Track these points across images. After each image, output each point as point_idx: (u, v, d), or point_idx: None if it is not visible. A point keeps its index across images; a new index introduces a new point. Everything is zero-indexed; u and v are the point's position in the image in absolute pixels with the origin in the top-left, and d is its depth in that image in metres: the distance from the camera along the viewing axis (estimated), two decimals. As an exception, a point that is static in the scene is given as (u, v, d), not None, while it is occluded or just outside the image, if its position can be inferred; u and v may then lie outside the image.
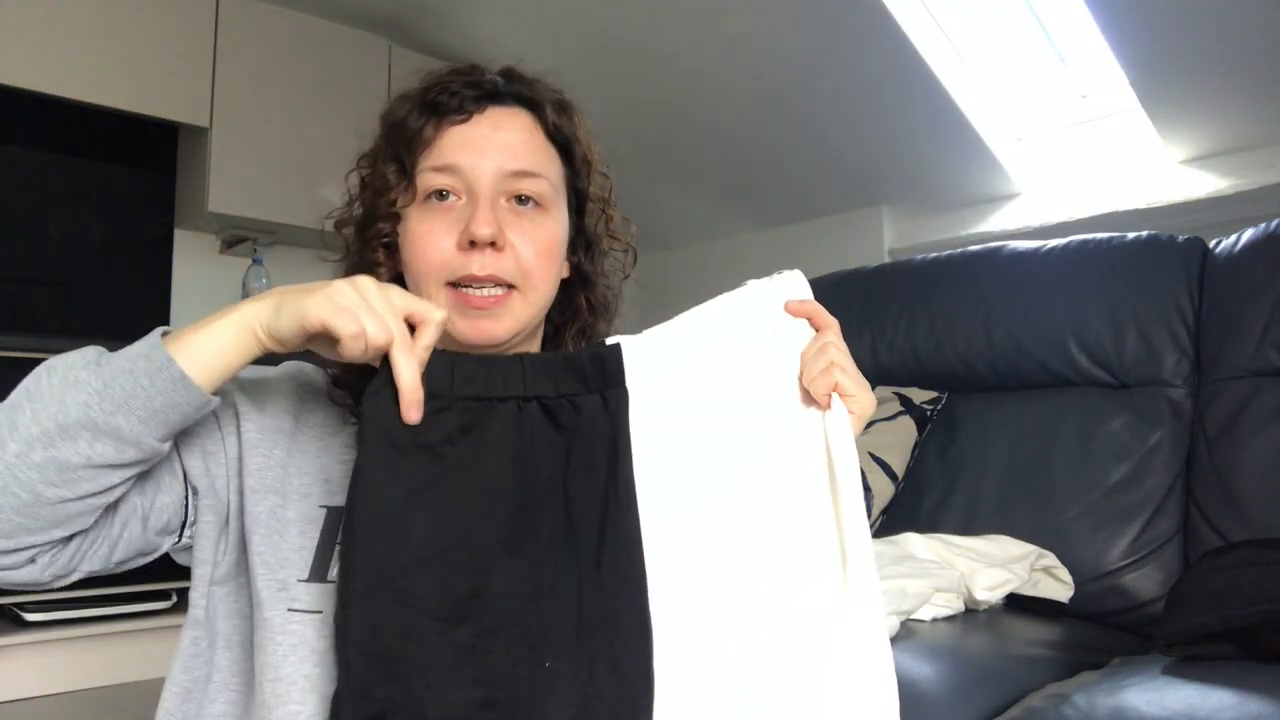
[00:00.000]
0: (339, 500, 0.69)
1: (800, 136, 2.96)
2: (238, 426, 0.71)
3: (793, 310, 0.68)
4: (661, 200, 3.59)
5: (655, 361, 0.66)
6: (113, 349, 0.63)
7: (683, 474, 0.64)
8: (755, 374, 0.66)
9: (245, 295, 2.71)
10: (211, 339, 0.61)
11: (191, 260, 2.82)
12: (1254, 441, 1.19)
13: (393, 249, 0.76)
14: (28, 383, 0.62)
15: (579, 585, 0.61)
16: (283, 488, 0.71)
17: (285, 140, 2.65)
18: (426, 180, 0.74)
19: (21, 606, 1.91)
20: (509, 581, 0.61)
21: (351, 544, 0.59)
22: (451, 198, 0.74)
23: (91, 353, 0.62)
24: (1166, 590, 1.11)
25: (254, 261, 2.75)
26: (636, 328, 0.73)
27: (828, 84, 2.70)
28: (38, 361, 0.66)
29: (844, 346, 0.67)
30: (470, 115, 0.75)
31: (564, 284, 0.80)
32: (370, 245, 0.76)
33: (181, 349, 0.60)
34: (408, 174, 0.75)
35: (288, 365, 0.79)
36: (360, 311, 0.59)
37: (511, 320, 0.73)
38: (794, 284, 0.69)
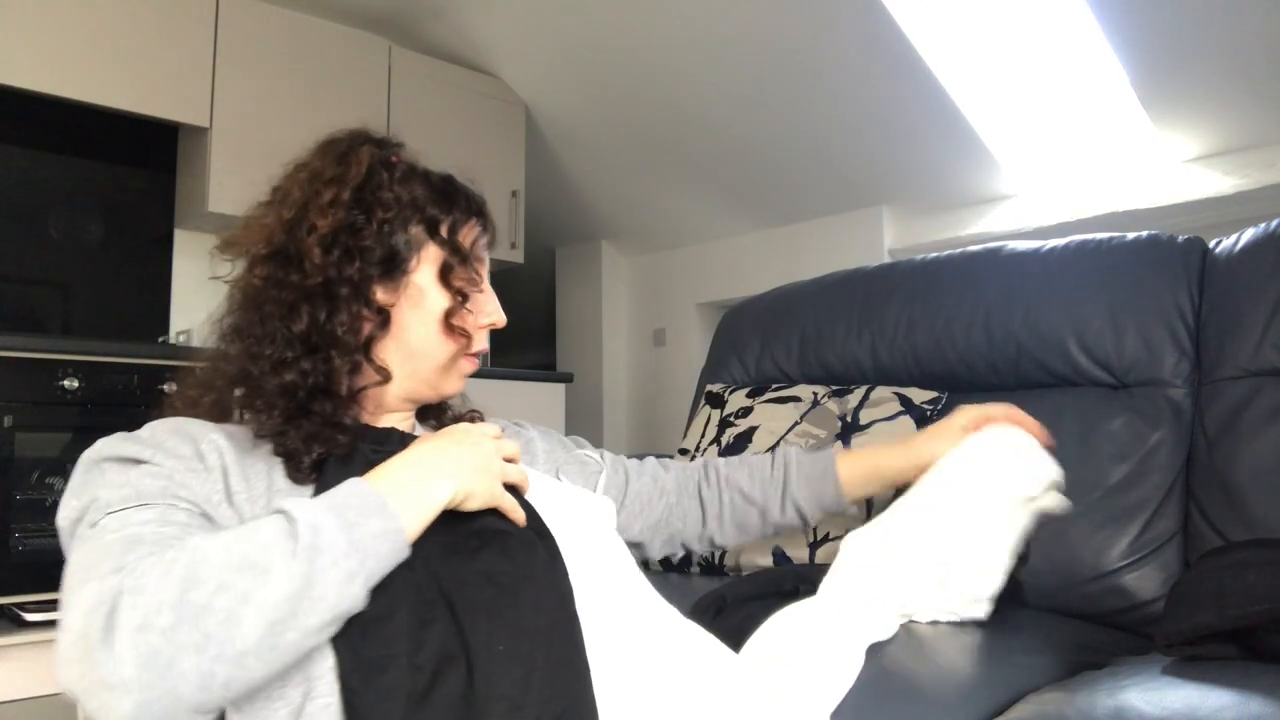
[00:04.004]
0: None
1: (800, 137, 2.97)
2: (226, 483, 0.74)
3: None
4: (661, 200, 3.59)
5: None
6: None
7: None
8: None
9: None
10: (422, 518, 0.71)
11: (191, 260, 2.82)
12: (1254, 441, 1.19)
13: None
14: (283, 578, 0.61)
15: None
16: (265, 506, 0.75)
17: (285, 140, 2.64)
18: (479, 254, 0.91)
19: (22, 607, 1.91)
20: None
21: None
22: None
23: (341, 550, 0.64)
24: (1166, 590, 1.11)
25: (254, 261, 2.75)
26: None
27: (828, 84, 2.70)
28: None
29: None
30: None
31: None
32: (458, 288, 0.87)
33: (409, 522, 0.69)
34: (457, 249, 0.88)
35: (167, 425, 0.78)
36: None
37: None
38: None
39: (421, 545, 0.71)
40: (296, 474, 0.77)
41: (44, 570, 1.95)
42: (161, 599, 0.57)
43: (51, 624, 1.96)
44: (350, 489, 0.68)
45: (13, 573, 1.92)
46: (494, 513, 0.78)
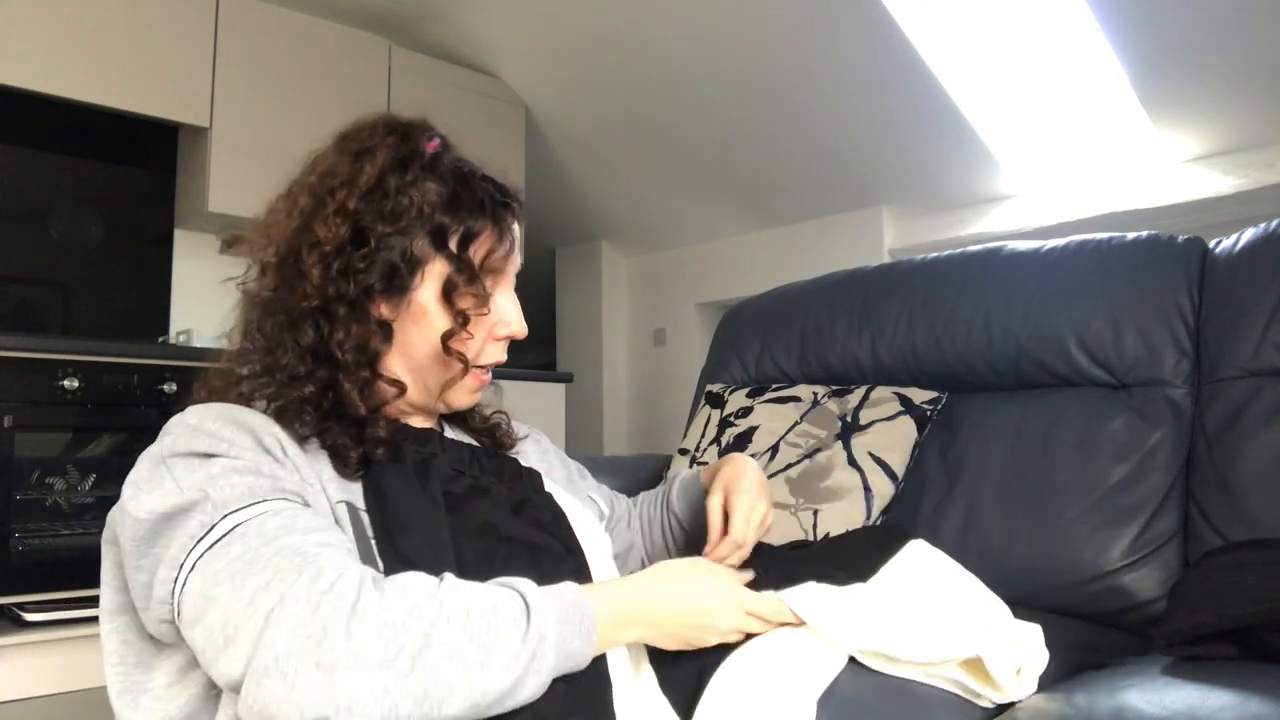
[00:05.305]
0: (346, 497, 0.75)
1: (801, 137, 2.97)
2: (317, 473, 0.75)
3: None
4: (661, 200, 3.59)
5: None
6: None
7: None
8: None
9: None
10: (602, 648, 0.72)
11: (191, 260, 2.82)
12: (1254, 441, 1.19)
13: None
14: (511, 656, 0.65)
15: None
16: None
17: (285, 140, 2.65)
18: (512, 266, 0.88)
19: (21, 606, 1.91)
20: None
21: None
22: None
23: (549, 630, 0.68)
24: (1166, 590, 1.11)
25: (254, 261, 2.76)
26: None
27: (828, 85, 2.70)
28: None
29: None
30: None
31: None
32: (460, 310, 0.82)
33: (594, 649, 0.71)
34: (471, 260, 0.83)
35: (221, 411, 0.75)
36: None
37: None
38: None
39: (456, 549, 0.73)
40: (344, 470, 0.75)
41: (44, 570, 1.95)
42: (405, 644, 0.61)
43: (51, 624, 1.97)
44: (577, 602, 0.70)
45: (13, 573, 1.92)
46: (529, 522, 0.79)
